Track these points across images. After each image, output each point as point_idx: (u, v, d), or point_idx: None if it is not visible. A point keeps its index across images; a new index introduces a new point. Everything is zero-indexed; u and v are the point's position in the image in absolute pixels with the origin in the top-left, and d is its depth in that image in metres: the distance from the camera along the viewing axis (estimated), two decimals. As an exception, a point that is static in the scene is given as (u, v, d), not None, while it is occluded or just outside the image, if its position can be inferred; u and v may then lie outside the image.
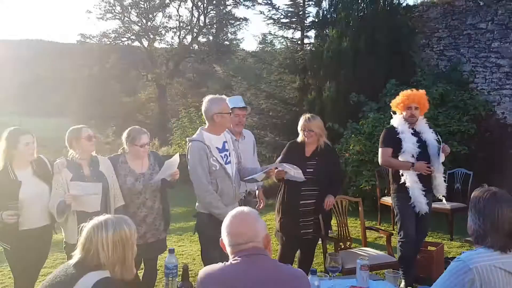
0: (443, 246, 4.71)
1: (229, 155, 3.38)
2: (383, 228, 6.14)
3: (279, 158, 3.96)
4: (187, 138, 3.42)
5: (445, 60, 9.19)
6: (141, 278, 3.68)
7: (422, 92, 4.27)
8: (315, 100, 9.38)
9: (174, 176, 3.42)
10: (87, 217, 3.07)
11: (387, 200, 6.36)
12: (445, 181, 6.39)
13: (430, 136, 4.20)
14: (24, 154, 3.23)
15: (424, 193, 4.11)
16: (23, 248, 3.23)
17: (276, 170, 3.43)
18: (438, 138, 4.21)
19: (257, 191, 4.54)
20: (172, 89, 27.79)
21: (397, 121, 4.26)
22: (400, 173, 4.17)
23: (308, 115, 3.91)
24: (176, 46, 28.26)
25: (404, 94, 4.25)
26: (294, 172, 3.43)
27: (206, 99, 3.36)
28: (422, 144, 4.15)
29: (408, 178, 4.12)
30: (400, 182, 4.16)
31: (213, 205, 3.20)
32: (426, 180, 4.14)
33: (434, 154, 4.13)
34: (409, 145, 4.10)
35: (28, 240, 3.22)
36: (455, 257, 2.05)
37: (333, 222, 5.68)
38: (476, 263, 1.88)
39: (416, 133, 4.19)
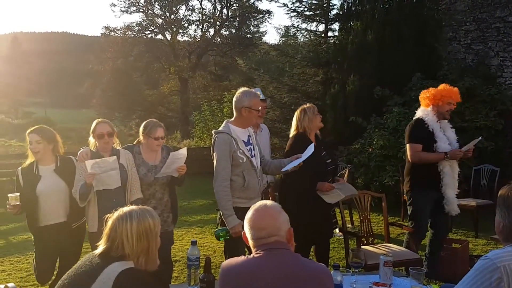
0: (468, 243, 4.61)
1: (253, 149, 3.39)
2: (406, 224, 6.06)
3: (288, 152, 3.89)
4: (213, 131, 3.42)
5: (472, 54, 8.98)
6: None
7: (457, 91, 4.17)
8: (339, 94, 9.28)
9: (180, 171, 3.44)
10: (109, 200, 3.21)
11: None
12: (471, 177, 6.35)
13: (452, 135, 4.13)
14: (32, 152, 3.35)
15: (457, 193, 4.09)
16: (43, 241, 3.39)
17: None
18: (456, 137, 4.16)
19: (269, 189, 4.52)
20: (194, 82, 27.97)
21: (426, 113, 4.11)
22: (439, 169, 4.04)
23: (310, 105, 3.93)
24: (199, 39, 28.38)
25: (447, 89, 4.12)
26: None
27: (240, 90, 3.37)
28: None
29: (446, 176, 4.03)
30: (423, 177, 4.08)
31: (221, 203, 3.21)
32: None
33: None
34: (442, 144, 4.01)
35: (47, 235, 3.36)
36: (480, 255, 2.00)
37: (355, 217, 5.66)
38: (504, 262, 1.83)
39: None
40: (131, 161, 3.45)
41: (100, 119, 3.49)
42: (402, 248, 4.12)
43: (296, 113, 3.95)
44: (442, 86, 4.18)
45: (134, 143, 3.63)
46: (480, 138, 4.24)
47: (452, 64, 8.90)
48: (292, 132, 3.96)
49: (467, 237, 5.74)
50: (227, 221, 3.18)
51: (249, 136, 3.42)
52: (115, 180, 3.28)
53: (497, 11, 8.50)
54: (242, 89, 3.39)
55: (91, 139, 3.42)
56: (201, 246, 5.71)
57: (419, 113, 4.19)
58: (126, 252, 1.92)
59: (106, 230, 1.99)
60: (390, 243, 4.28)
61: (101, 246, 1.98)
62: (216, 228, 3.37)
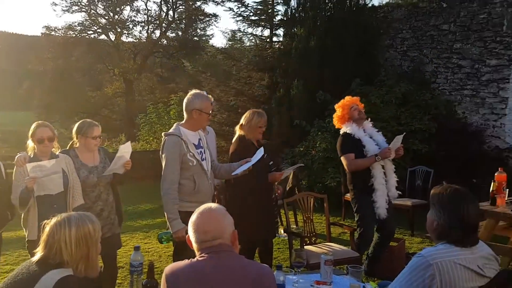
0: (404, 241, 4.82)
1: (204, 152, 3.38)
2: (347, 223, 6.25)
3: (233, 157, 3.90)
4: (163, 133, 3.37)
5: (408, 61, 9.43)
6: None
7: (351, 98, 4.43)
8: (283, 98, 9.46)
9: (127, 167, 3.38)
10: (50, 206, 3.06)
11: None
12: (406, 178, 6.64)
13: (379, 138, 4.32)
14: None
15: (387, 197, 4.20)
16: None
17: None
18: (384, 139, 4.34)
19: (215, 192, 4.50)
20: (140, 84, 27.32)
21: (350, 127, 4.30)
22: (370, 174, 4.18)
23: (260, 110, 3.99)
24: (144, 40, 27.78)
25: (340, 106, 4.40)
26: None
27: (191, 92, 3.35)
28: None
29: (376, 180, 4.16)
30: (363, 184, 4.21)
31: (167, 207, 3.18)
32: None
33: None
34: (371, 146, 4.18)
35: None
36: (416, 253, 2.10)
37: (299, 218, 5.76)
38: (437, 259, 1.92)
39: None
40: (71, 165, 3.32)
41: (40, 122, 3.32)
42: (343, 247, 4.26)
43: (245, 114, 4.00)
44: (340, 103, 4.45)
45: (68, 147, 3.50)
46: (404, 133, 4.42)
47: (389, 70, 9.32)
48: (237, 131, 4.00)
49: (404, 236, 5.99)
50: (171, 224, 3.15)
51: (199, 139, 3.40)
52: (57, 184, 3.15)
53: (431, 19, 8.97)
54: (193, 91, 3.37)
55: (30, 143, 3.26)
56: (146, 252, 5.59)
57: (343, 129, 4.40)
58: (64, 259, 1.86)
59: (43, 237, 1.92)
60: (332, 242, 4.41)
61: (38, 253, 1.91)
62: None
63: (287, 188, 6.56)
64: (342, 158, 4.33)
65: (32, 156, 3.22)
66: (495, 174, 4.28)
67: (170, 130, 3.33)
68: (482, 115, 8.23)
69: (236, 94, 10.71)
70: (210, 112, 3.37)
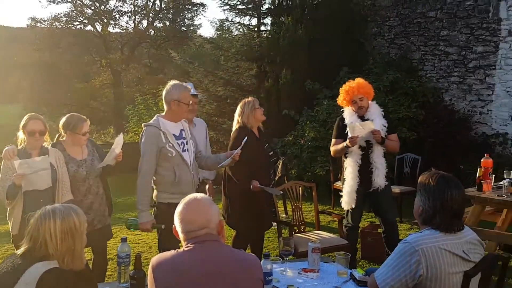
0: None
1: (186, 143, 3.35)
2: (336, 212, 6.28)
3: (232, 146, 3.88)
4: (143, 124, 3.35)
5: (395, 48, 9.44)
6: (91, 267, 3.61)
7: (360, 80, 4.16)
8: (272, 88, 9.45)
9: (118, 159, 3.37)
10: (36, 201, 3.02)
11: (340, 184, 6.50)
12: (394, 165, 6.67)
13: (377, 123, 4.04)
14: None
15: (360, 187, 4.06)
16: None
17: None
18: (385, 124, 4.07)
19: (207, 185, 4.49)
20: (128, 75, 27.10)
21: (347, 112, 4.20)
22: (344, 165, 4.18)
23: (250, 98, 3.99)
24: (131, 31, 27.49)
25: (343, 90, 4.15)
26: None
27: (170, 83, 3.33)
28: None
29: (348, 169, 4.10)
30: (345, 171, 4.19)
31: (138, 197, 3.19)
32: (366, 171, 4.06)
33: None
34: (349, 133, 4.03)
35: None
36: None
37: (288, 207, 5.78)
38: (422, 245, 1.94)
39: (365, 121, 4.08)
40: (62, 159, 3.29)
41: (32, 114, 3.26)
42: (332, 235, 4.28)
43: (237, 107, 4.01)
44: (341, 89, 4.21)
45: (54, 140, 3.45)
46: (372, 120, 4.04)
47: (377, 58, 9.32)
48: (235, 126, 4.00)
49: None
50: (139, 215, 3.16)
51: (182, 130, 3.37)
52: (45, 180, 3.12)
53: (418, 6, 8.97)
54: (172, 82, 3.35)
55: (20, 135, 3.20)
56: (136, 243, 5.59)
57: (344, 111, 4.27)
58: (49, 252, 1.84)
59: (28, 229, 1.90)
60: (321, 230, 4.43)
61: (23, 246, 1.89)
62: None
63: (277, 178, 6.58)
64: None
65: (21, 149, 3.18)
66: (481, 160, 4.32)
67: (150, 121, 3.32)
68: (469, 102, 8.28)
69: (224, 84, 10.65)
70: (190, 102, 3.34)
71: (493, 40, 7.88)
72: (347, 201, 4.12)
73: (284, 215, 6.42)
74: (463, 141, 7.75)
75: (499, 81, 7.80)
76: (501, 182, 4.25)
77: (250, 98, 4.02)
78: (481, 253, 2.05)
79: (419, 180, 2.12)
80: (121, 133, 3.57)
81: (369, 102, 4.17)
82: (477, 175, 4.33)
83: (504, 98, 7.75)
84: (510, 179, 4.22)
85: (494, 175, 4.44)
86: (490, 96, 7.98)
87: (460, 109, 8.35)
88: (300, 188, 4.48)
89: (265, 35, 10.73)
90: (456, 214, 2.01)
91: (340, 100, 4.27)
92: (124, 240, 2.40)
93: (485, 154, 4.36)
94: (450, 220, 1.99)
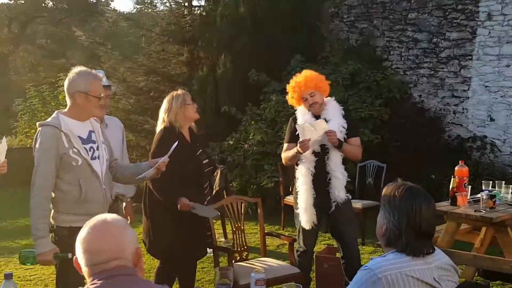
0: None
1: (97, 149, 3.25)
2: (286, 233, 6.36)
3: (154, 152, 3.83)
4: (37, 123, 3.21)
5: (356, 33, 9.73)
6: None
7: (307, 73, 4.24)
8: (208, 78, 9.41)
9: (2, 170, 3.22)
10: None
11: (292, 199, 6.58)
12: (356, 175, 6.83)
13: (335, 124, 4.11)
14: None
15: (316, 201, 4.13)
16: None
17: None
18: (344, 125, 4.14)
19: (124, 203, 4.38)
20: (17, 59, 26.16)
21: (300, 110, 4.26)
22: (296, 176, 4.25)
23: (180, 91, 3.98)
24: (23, 2, 26.50)
25: (290, 86, 4.25)
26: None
27: (74, 70, 3.20)
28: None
29: (300, 180, 4.16)
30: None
31: (33, 220, 3.03)
32: (322, 182, 4.11)
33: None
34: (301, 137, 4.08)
35: None
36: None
37: (228, 228, 5.78)
38: (386, 272, 2.00)
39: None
40: None
41: None
42: (281, 262, 4.33)
43: (163, 102, 3.97)
44: (288, 86, 4.31)
45: None
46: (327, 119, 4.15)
47: (335, 45, 9.54)
48: (159, 126, 3.95)
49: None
50: (36, 243, 3.00)
51: (91, 131, 3.27)
52: None
53: (382, -16, 9.26)
54: (77, 68, 3.23)
55: None
56: (27, 280, 5.44)
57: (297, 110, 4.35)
58: None
59: None
60: (268, 257, 4.47)
61: None
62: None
63: (213, 192, 6.56)
64: None
65: None
66: (456, 168, 4.48)
67: (47, 120, 3.19)
68: (441, 98, 8.63)
69: (146, 72, 10.51)
70: (101, 95, 3.24)
71: (469, 25, 8.24)
72: (306, 220, 4.15)
73: (223, 239, 6.41)
74: (434, 145, 8.07)
75: (476, 74, 8.18)
76: (479, 195, 4.40)
77: (179, 91, 3.99)
78: (456, 281, 2.14)
79: (383, 192, 2.18)
80: (4, 136, 3.40)
81: (326, 98, 4.27)
82: (451, 186, 4.48)
83: (482, 95, 8.13)
84: (489, 191, 4.39)
85: (470, 186, 4.62)
86: (465, 92, 8.36)
87: (431, 107, 8.71)
88: (243, 204, 4.50)
89: (198, 12, 10.70)
90: (425, 233, 2.08)
91: (288, 98, 4.36)
92: (8, 276, 2.30)
93: (460, 161, 4.53)
94: (417, 241, 2.06)
